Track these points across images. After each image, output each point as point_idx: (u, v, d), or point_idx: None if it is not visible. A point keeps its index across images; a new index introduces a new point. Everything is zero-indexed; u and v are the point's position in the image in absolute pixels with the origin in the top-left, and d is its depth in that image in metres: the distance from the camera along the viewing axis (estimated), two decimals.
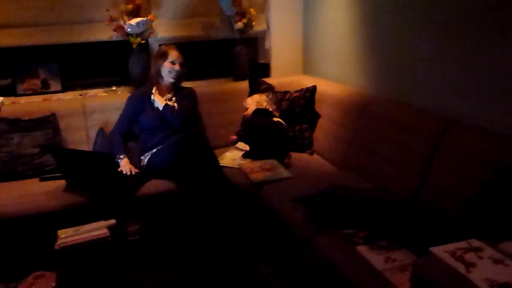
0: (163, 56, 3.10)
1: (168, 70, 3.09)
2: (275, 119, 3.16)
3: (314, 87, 3.31)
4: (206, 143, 2.83)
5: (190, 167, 2.71)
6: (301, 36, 3.90)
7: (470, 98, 2.31)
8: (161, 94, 3.16)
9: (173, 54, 3.10)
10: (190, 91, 3.26)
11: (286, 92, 3.40)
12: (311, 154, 3.24)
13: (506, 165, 1.85)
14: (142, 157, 3.00)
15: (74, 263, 2.05)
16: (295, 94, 3.34)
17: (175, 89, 3.21)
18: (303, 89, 3.35)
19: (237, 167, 2.96)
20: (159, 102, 3.09)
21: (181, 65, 3.11)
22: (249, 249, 2.79)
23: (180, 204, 2.75)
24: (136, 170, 2.85)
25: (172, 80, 3.12)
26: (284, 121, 3.19)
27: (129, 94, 3.25)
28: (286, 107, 3.32)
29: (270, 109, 3.25)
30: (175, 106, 3.11)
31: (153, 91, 3.15)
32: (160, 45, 3.36)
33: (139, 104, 3.11)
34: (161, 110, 3.06)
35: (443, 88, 2.46)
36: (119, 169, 2.81)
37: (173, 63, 3.09)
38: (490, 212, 1.76)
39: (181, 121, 3.03)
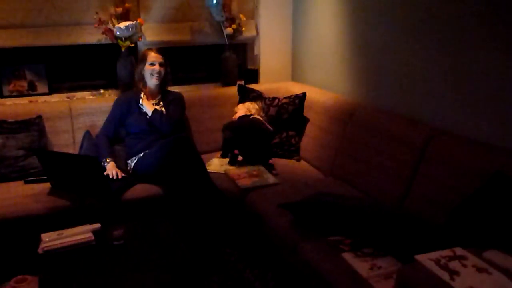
0: (143, 59, 3.11)
1: (149, 72, 3.08)
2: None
3: (304, 94, 3.33)
4: (193, 148, 2.82)
5: (176, 172, 2.70)
6: (290, 43, 3.92)
7: (456, 107, 2.33)
8: (149, 99, 3.14)
9: (151, 56, 3.09)
10: (178, 95, 3.25)
11: (274, 98, 3.41)
12: (298, 160, 3.25)
13: (491, 174, 1.88)
14: (128, 161, 2.98)
15: (57, 267, 2.03)
16: (283, 101, 3.35)
17: (162, 93, 3.19)
18: (292, 95, 3.36)
19: (223, 172, 2.96)
20: (148, 107, 3.08)
21: (161, 65, 3.09)
22: (234, 255, 2.78)
23: (166, 209, 2.73)
24: (122, 174, 2.83)
25: (155, 82, 3.10)
26: (271, 127, 3.19)
27: (116, 97, 3.23)
28: (274, 113, 3.33)
29: (259, 116, 3.25)
30: (163, 111, 3.10)
31: (142, 96, 3.13)
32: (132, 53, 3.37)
33: (126, 108, 3.10)
34: (150, 116, 3.05)
35: (430, 97, 2.49)
36: (105, 173, 2.79)
37: (152, 64, 3.08)
38: (474, 220, 1.78)
39: (170, 127, 3.02)
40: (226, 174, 2.93)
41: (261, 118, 3.20)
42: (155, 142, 2.94)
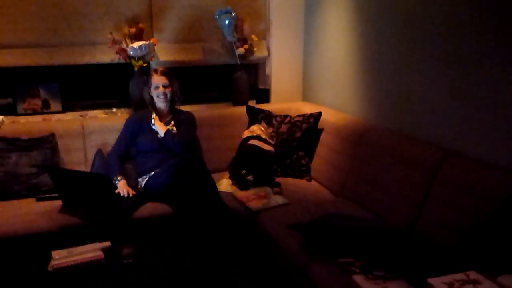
0: (147, 83, 3.15)
1: (156, 95, 3.12)
2: (256, 142, 3.15)
3: (319, 114, 3.32)
4: (204, 167, 2.83)
5: (187, 190, 2.70)
6: (301, 63, 3.95)
7: (468, 129, 2.32)
8: (161, 119, 3.17)
9: (155, 79, 3.11)
10: (189, 115, 3.27)
11: (286, 116, 3.42)
12: (309, 180, 3.24)
13: (504, 196, 1.85)
14: (139, 180, 2.99)
15: (67, 285, 2.03)
16: (296, 118, 3.36)
17: (173, 112, 3.22)
18: (306, 114, 3.36)
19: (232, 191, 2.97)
20: (160, 128, 3.11)
21: (165, 86, 3.10)
22: (243, 275, 2.76)
23: (176, 228, 2.73)
24: (133, 192, 2.84)
25: (163, 104, 3.14)
26: (282, 146, 3.20)
27: (127, 116, 3.26)
28: (285, 130, 3.33)
29: (263, 136, 3.24)
30: (173, 130, 3.11)
31: (153, 116, 3.16)
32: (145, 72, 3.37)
33: (138, 127, 3.13)
34: (163, 137, 3.07)
35: (441, 119, 2.48)
36: (116, 191, 2.80)
37: (156, 87, 3.10)
38: (488, 244, 1.75)
39: (182, 147, 3.03)
40: (234, 197, 2.91)
41: (258, 142, 3.16)
42: (165, 161, 2.96)
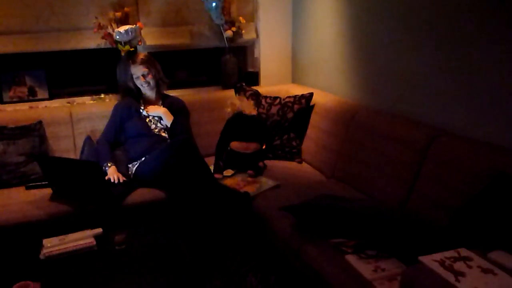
0: (130, 74, 3.11)
1: (139, 84, 3.10)
2: (237, 145, 3.13)
3: (311, 94, 3.32)
4: (196, 150, 2.81)
5: (180, 174, 2.69)
6: (290, 46, 3.92)
7: (457, 107, 2.33)
8: (149, 104, 3.15)
9: (133, 70, 3.08)
10: (181, 105, 3.26)
11: (276, 98, 3.41)
12: (300, 163, 3.24)
13: (494, 174, 1.87)
14: (129, 166, 2.97)
15: (59, 272, 2.02)
16: (286, 99, 3.35)
17: (162, 98, 3.20)
18: (297, 95, 3.35)
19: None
20: (167, 118, 3.08)
21: (144, 75, 3.06)
22: (237, 258, 2.77)
23: (167, 213, 2.73)
24: (124, 179, 2.83)
25: (149, 92, 3.13)
26: (272, 127, 3.22)
27: (116, 103, 3.22)
28: (275, 112, 3.33)
29: (246, 112, 3.22)
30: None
31: (141, 105, 3.14)
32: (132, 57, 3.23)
33: (126, 112, 3.10)
34: (170, 127, 3.07)
35: (431, 98, 2.48)
36: (106, 177, 2.78)
37: (137, 78, 3.08)
38: (478, 221, 1.77)
39: (186, 137, 2.98)
40: (225, 187, 2.88)
41: (239, 144, 3.14)
42: (155, 146, 2.94)
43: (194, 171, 2.71)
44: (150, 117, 3.10)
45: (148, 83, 3.08)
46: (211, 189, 2.72)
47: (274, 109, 3.36)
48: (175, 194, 2.75)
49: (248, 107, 3.22)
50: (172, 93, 3.45)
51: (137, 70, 3.06)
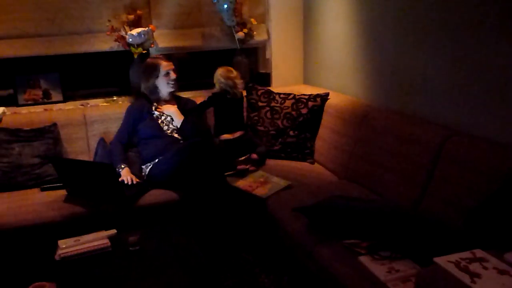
0: (155, 71, 3.09)
1: (166, 82, 3.10)
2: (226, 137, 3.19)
3: (327, 94, 3.31)
4: (209, 151, 2.81)
5: (192, 176, 2.70)
6: (302, 46, 3.92)
7: (471, 107, 2.31)
8: (161, 104, 3.17)
9: (164, 65, 3.09)
10: (193, 103, 3.29)
11: (289, 94, 3.43)
12: (312, 163, 3.24)
13: (509, 173, 1.85)
14: (143, 167, 2.99)
15: (74, 273, 2.04)
16: (301, 96, 3.36)
17: (176, 99, 3.21)
18: (312, 94, 3.35)
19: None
20: (177, 118, 3.09)
21: (174, 71, 3.11)
22: (250, 259, 2.78)
23: (181, 214, 2.74)
24: (137, 180, 2.85)
25: (172, 89, 3.13)
26: (285, 120, 3.27)
27: (128, 105, 3.25)
28: (290, 105, 3.34)
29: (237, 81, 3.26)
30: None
31: (153, 108, 3.15)
32: (145, 59, 3.27)
33: (139, 114, 3.12)
34: (180, 127, 3.07)
35: (444, 98, 2.46)
36: (120, 179, 2.81)
37: (167, 73, 3.09)
38: (494, 221, 1.75)
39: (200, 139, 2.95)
40: (236, 188, 2.87)
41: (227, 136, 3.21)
42: (168, 147, 2.95)
43: (206, 173, 2.72)
44: (162, 119, 3.12)
45: (175, 80, 3.10)
46: (222, 192, 2.72)
47: (288, 103, 3.36)
48: (187, 196, 2.76)
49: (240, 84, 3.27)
50: (185, 94, 3.48)
51: (168, 66, 3.09)
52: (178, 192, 2.79)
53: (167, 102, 3.19)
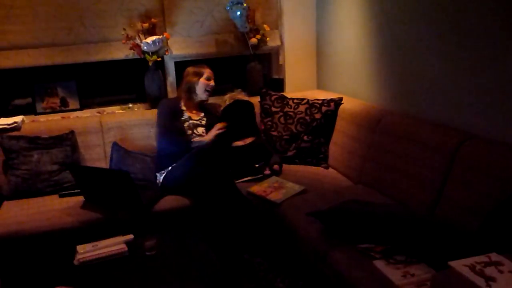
0: (198, 73, 3.18)
1: (204, 86, 3.17)
2: None
3: (340, 99, 3.32)
4: (218, 158, 2.85)
5: (203, 182, 2.74)
6: (315, 51, 3.93)
7: (485, 111, 2.30)
8: (189, 109, 3.21)
9: (208, 71, 3.20)
10: (217, 108, 3.38)
11: (302, 99, 3.44)
12: (326, 168, 3.24)
13: None
14: (157, 174, 3.03)
15: (93, 278, 2.07)
16: (314, 101, 3.38)
17: (202, 108, 3.28)
18: (325, 99, 3.36)
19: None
20: (209, 135, 3.08)
21: (214, 80, 3.21)
22: (265, 264, 2.79)
23: (196, 219, 2.76)
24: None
25: (206, 97, 3.22)
26: (299, 124, 3.32)
27: (162, 100, 3.31)
28: (303, 110, 3.36)
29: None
30: (202, 121, 3.22)
31: (182, 106, 3.20)
32: (187, 66, 3.31)
33: (173, 111, 3.17)
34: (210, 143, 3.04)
35: (458, 102, 2.46)
36: (212, 134, 2.98)
37: (208, 79, 3.18)
38: (509, 225, 1.74)
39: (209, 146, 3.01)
40: (250, 192, 2.88)
41: None
42: (183, 154, 2.98)
43: (214, 180, 2.76)
44: (189, 122, 3.15)
45: (212, 87, 3.21)
46: (231, 198, 2.75)
47: (302, 108, 3.38)
48: (199, 203, 2.80)
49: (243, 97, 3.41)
50: None
51: (211, 74, 3.21)
52: (190, 198, 2.83)
53: (195, 107, 3.24)
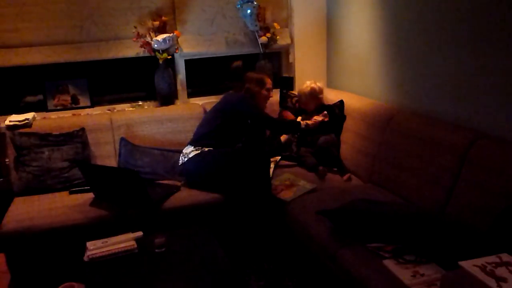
0: (261, 83, 3.17)
1: (265, 97, 3.19)
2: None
3: (350, 98, 3.35)
4: (264, 160, 2.87)
5: (240, 181, 2.78)
6: (325, 50, 3.92)
7: (496, 110, 2.28)
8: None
9: (269, 83, 3.21)
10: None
11: None
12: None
13: None
14: (179, 159, 3.05)
15: (102, 274, 2.08)
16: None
17: None
18: (329, 104, 3.39)
19: None
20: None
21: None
22: (274, 262, 2.79)
23: (206, 216, 2.77)
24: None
25: (263, 105, 3.22)
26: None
27: (240, 94, 3.19)
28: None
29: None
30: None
31: None
32: (247, 72, 3.30)
33: None
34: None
35: (470, 100, 2.44)
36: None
37: (268, 90, 3.19)
38: None
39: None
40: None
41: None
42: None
43: (257, 181, 2.79)
44: None
45: (269, 99, 3.26)
46: (267, 202, 2.78)
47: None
48: (229, 198, 2.83)
49: None
50: (210, 99, 3.54)
51: (271, 85, 3.23)
52: (207, 194, 2.84)
53: None
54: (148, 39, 3.39)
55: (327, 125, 3.20)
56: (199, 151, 2.93)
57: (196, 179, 2.91)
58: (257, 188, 2.77)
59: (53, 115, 3.42)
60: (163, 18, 3.44)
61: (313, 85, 3.38)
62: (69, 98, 3.53)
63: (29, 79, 3.57)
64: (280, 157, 3.27)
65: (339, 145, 3.23)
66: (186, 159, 2.95)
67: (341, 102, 3.33)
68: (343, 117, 3.28)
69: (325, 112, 3.21)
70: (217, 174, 2.85)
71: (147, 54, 3.46)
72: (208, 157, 2.89)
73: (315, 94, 3.36)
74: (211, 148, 2.94)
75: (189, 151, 2.96)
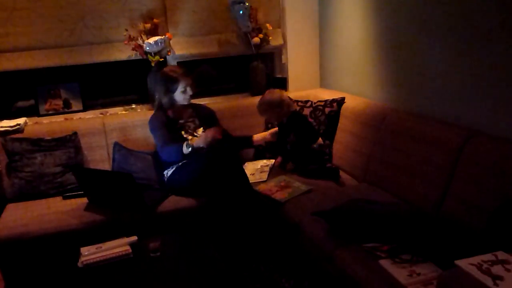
0: (173, 85, 3.04)
1: (181, 97, 3.08)
2: None
3: (343, 99, 3.31)
4: (235, 158, 2.83)
5: (218, 182, 2.73)
6: (318, 50, 3.92)
7: (489, 107, 2.28)
8: (179, 115, 3.15)
9: (183, 82, 3.05)
10: (212, 114, 3.29)
11: (307, 101, 3.42)
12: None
13: None
14: (164, 172, 3.01)
15: (97, 280, 2.07)
16: (318, 103, 3.36)
17: (192, 107, 3.23)
18: (327, 100, 3.36)
19: (257, 180, 3.00)
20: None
21: (191, 88, 3.09)
22: (270, 264, 2.78)
23: (200, 220, 2.76)
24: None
25: (187, 103, 3.13)
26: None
27: (151, 116, 3.14)
28: (308, 113, 3.34)
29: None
30: (194, 123, 3.14)
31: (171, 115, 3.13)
32: (162, 68, 3.23)
33: (164, 123, 3.08)
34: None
35: (462, 99, 2.44)
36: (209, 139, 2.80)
37: (184, 91, 3.07)
38: None
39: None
40: (257, 191, 2.88)
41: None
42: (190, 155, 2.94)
43: (233, 179, 2.74)
44: (186, 127, 3.13)
45: (190, 95, 3.09)
46: (249, 197, 2.74)
47: (306, 111, 3.37)
48: (211, 201, 2.79)
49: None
50: (202, 101, 3.51)
51: (187, 84, 3.05)
52: (198, 198, 2.82)
53: (183, 109, 3.18)
54: (140, 41, 3.37)
55: (274, 146, 3.16)
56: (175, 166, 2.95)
57: (183, 187, 2.89)
58: (234, 184, 2.73)
59: (45, 120, 3.39)
60: (155, 20, 3.43)
61: (271, 96, 3.14)
62: (61, 103, 3.51)
63: (20, 84, 3.55)
64: (274, 160, 3.24)
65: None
66: (169, 173, 2.97)
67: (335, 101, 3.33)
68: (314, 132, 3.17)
69: (276, 130, 3.14)
70: (200, 179, 2.81)
71: (139, 57, 3.44)
72: (188, 167, 2.87)
73: (273, 106, 3.09)
74: (184, 161, 2.91)
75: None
